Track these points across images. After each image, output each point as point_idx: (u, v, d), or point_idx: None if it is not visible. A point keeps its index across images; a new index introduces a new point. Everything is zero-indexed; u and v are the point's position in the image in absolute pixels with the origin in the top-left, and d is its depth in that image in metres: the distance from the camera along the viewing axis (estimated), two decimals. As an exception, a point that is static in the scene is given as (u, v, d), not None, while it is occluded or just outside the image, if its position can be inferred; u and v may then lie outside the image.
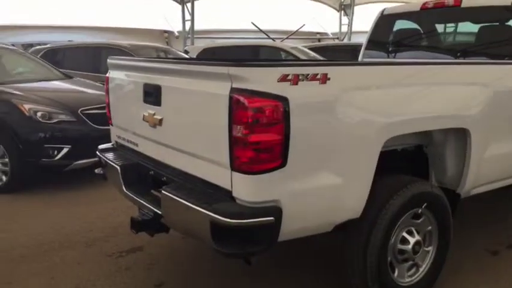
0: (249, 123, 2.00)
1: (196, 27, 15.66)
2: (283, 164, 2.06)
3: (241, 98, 2.01)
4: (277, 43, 10.38)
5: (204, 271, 3.21)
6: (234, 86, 2.04)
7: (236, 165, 2.08)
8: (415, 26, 4.31)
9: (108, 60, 3.23)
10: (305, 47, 10.91)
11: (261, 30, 14.27)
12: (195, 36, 15.27)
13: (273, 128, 2.02)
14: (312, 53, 9.82)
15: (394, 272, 2.64)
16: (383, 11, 4.51)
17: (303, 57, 9.36)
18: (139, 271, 3.20)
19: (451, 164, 2.92)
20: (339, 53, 11.38)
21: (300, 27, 15.04)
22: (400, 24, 4.41)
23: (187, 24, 15.19)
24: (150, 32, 15.68)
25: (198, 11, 15.40)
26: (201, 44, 11.94)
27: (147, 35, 15.83)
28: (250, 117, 1.99)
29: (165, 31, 16.08)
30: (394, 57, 4.43)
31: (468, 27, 3.95)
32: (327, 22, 19.19)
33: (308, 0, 17.62)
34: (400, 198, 2.54)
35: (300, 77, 2.08)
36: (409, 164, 3.08)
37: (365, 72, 2.39)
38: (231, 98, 2.04)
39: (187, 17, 15.19)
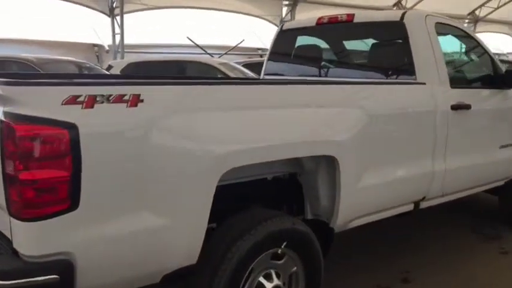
0: (23, 156, 1.63)
1: (130, 41, 15.21)
2: (73, 206, 1.70)
3: (12, 125, 1.63)
4: (204, 58, 10.07)
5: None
6: (6, 109, 1.67)
7: (13, 210, 1.69)
8: (312, 41, 4.10)
9: None
10: (239, 63, 10.67)
11: (197, 45, 13.98)
12: (127, 50, 14.80)
13: (55, 162, 1.65)
14: (245, 70, 9.57)
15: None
16: (282, 26, 4.29)
17: (232, 74, 9.10)
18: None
19: (323, 195, 2.65)
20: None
21: (240, 43, 14.87)
22: (301, 40, 4.20)
23: (118, 38, 14.72)
24: (80, 46, 15.04)
25: (132, 24, 14.97)
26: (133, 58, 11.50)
27: (76, 49, 15.15)
28: (23, 148, 1.62)
29: (95, 45, 15.52)
30: (293, 75, 4.19)
31: (365, 44, 3.77)
32: (269, 38, 19.14)
33: (249, 16, 17.56)
34: (252, 237, 2.22)
35: (98, 99, 1.73)
36: (285, 194, 2.82)
37: (193, 93, 2.06)
38: (1, 124, 1.67)
39: (118, 30, 14.74)
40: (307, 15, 18.34)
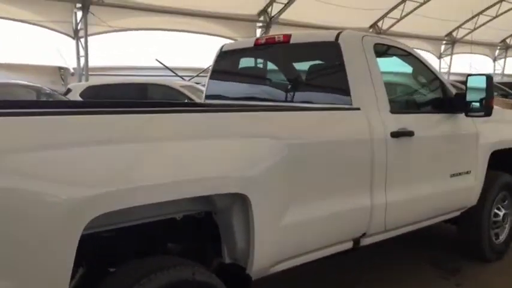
0: None
1: (97, 63, 14.97)
2: None
3: None
4: (166, 81, 9.84)
5: None
6: None
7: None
8: (251, 63, 3.89)
9: None
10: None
11: (166, 67, 13.77)
12: (94, 73, 14.53)
13: None
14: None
15: None
16: (222, 47, 4.07)
17: (194, 96, 8.87)
18: None
19: (239, 236, 2.37)
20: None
21: (211, 65, 14.69)
22: (241, 62, 3.98)
23: (83, 60, 14.46)
24: (46, 69, 14.75)
25: (99, 46, 14.77)
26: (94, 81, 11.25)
27: (42, 72, 14.87)
28: None
29: (61, 67, 15.23)
30: (231, 98, 3.95)
31: (303, 66, 3.55)
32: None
33: (222, 38, 17.50)
34: (142, 291, 1.94)
35: None
36: (202, 234, 2.53)
37: (48, 125, 1.76)
38: None
39: (82, 52, 14.49)
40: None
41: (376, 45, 3.22)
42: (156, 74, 14.08)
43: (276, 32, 17.71)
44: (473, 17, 24.26)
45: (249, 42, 3.76)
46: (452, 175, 3.60)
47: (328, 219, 2.71)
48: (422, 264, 4.12)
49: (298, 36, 3.41)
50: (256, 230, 2.28)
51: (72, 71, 15.21)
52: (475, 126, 3.77)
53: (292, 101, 3.38)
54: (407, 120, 3.22)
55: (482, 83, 3.37)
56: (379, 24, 21.65)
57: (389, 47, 3.40)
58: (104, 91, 9.15)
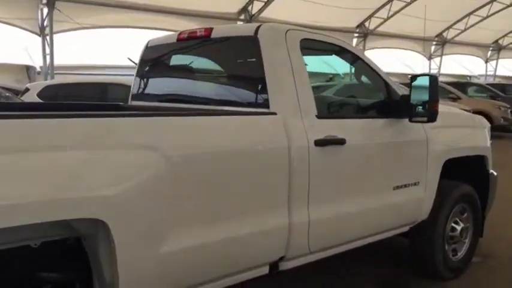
0: None
1: (64, 62, 14.52)
2: None
3: None
4: (127, 80, 9.44)
5: None
6: None
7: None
8: (175, 60, 3.54)
9: None
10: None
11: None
12: (61, 71, 14.10)
13: None
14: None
15: None
16: (148, 43, 3.71)
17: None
18: None
19: (106, 268, 2.01)
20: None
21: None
22: (164, 58, 3.63)
23: (49, 59, 14.05)
24: (11, 67, 14.31)
25: (66, 44, 14.33)
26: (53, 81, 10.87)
27: (8, 70, 14.43)
28: None
29: (28, 66, 14.80)
30: (155, 98, 3.60)
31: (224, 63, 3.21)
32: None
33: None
34: None
35: None
36: (70, 263, 2.18)
37: None
38: None
39: (48, 50, 14.06)
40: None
41: (303, 40, 2.87)
42: (128, 74, 13.67)
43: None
44: (463, 18, 24.11)
45: (173, 37, 3.41)
46: (396, 187, 3.26)
47: (228, 243, 2.34)
48: (366, 285, 3.77)
49: (220, 30, 3.06)
50: (120, 262, 1.91)
51: (38, 69, 14.79)
52: (424, 133, 3.44)
53: (210, 103, 3.03)
54: (338, 127, 2.88)
55: (427, 84, 3.04)
56: (366, 24, 21.39)
57: (321, 43, 3.04)
58: (62, 90, 8.78)
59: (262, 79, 2.68)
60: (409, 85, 3.14)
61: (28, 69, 14.78)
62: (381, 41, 22.46)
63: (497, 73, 30.54)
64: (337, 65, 3.29)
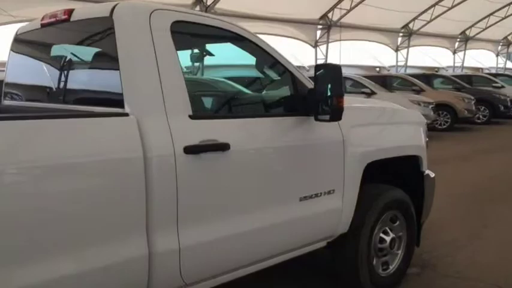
0: None
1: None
2: None
3: None
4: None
5: None
6: None
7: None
8: (41, 51, 2.99)
9: None
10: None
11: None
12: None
13: None
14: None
15: None
16: (17, 31, 3.14)
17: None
18: None
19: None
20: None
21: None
22: (33, 49, 3.08)
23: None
24: None
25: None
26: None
27: None
28: None
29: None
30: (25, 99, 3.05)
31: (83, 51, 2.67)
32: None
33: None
34: None
35: None
36: None
37: None
38: None
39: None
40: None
41: (176, 24, 2.35)
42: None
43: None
44: (429, 8, 24.03)
45: (36, 24, 2.86)
46: (304, 198, 2.79)
47: (61, 281, 1.84)
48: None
49: (80, 11, 2.51)
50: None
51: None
52: (340, 133, 2.98)
53: (69, 102, 2.50)
54: (220, 129, 2.38)
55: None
56: (329, 15, 21.02)
57: (204, 27, 2.52)
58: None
59: (116, 72, 2.16)
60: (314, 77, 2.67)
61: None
62: (345, 33, 22.12)
63: (466, 64, 30.75)
64: (229, 54, 2.79)
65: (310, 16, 20.22)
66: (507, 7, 26.16)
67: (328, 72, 2.55)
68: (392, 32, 25.29)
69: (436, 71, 27.38)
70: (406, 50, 26.38)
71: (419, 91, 14.44)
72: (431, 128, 13.11)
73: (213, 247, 2.33)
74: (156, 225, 2.10)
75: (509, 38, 32.00)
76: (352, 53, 26.45)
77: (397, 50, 26.28)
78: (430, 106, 12.78)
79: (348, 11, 20.67)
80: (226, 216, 2.39)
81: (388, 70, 27.78)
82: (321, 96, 2.59)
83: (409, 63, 26.76)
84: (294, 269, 3.59)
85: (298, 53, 22.58)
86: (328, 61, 22.11)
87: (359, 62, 27.46)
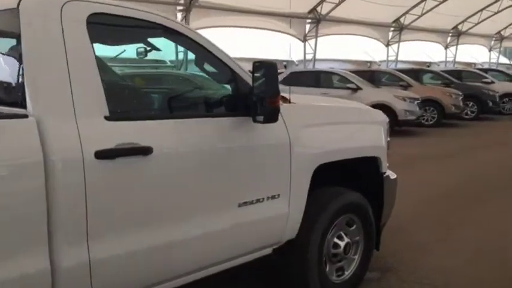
0: None
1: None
2: None
3: None
4: None
5: None
6: None
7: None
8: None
9: None
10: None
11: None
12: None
13: None
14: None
15: None
16: None
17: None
18: None
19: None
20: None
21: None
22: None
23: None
24: None
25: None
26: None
27: None
28: None
29: None
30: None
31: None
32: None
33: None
34: None
35: None
36: None
37: None
38: None
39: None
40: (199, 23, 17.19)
41: (94, 16, 2.16)
42: None
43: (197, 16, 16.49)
44: (420, 2, 23.82)
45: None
46: (243, 204, 2.61)
47: None
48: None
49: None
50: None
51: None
52: (287, 134, 2.81)
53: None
54: (142, 131, 2.20)
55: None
56: (318, 9, 20.77)
57: (128, 19, 2.31)
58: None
59: (19, 68, 1.98)
60: (254, 74, 2.49)
61: None
62: (335, 27, 21.91)
63: (458, 59, 30.61)
64: (164, 51, 2.59)
65: (298, 10, 19.96)
66: (500, 1, 25.93)
67: (264, 71, 2.37)
68: (383, 26, 25.07)
69: (428, 66, 27.28)
70: (396, 44, 26.20)
71: (406, 86, 14.28)
72: (418, 124, 13.09)
73: (131, 259, 2.15)
74: (60, 238, 1.92)
75: (502, 32, 31.85)
76: (343, 48, 26.29)
77: (388, 44, 26.09)
78: (416, 102, 12.61)
79: (337, 5, 20.43)
80: (148, 225, 2.21)
81: (379, 65, 27.64)
82: (257, 96, 2.41)
83: (400, 58, 26.59)
84: (243, 279, 3.41)
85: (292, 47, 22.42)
86: (317, 56, 21.93)
87: (350, 56, 27.32)
